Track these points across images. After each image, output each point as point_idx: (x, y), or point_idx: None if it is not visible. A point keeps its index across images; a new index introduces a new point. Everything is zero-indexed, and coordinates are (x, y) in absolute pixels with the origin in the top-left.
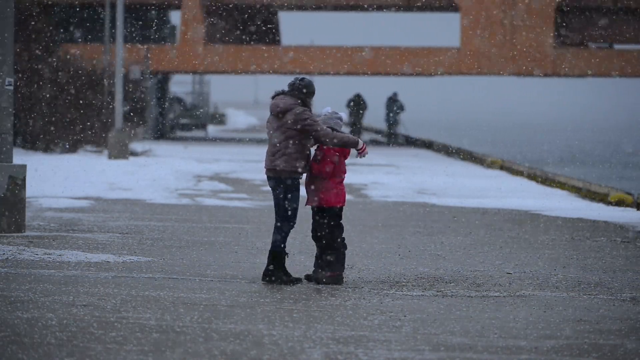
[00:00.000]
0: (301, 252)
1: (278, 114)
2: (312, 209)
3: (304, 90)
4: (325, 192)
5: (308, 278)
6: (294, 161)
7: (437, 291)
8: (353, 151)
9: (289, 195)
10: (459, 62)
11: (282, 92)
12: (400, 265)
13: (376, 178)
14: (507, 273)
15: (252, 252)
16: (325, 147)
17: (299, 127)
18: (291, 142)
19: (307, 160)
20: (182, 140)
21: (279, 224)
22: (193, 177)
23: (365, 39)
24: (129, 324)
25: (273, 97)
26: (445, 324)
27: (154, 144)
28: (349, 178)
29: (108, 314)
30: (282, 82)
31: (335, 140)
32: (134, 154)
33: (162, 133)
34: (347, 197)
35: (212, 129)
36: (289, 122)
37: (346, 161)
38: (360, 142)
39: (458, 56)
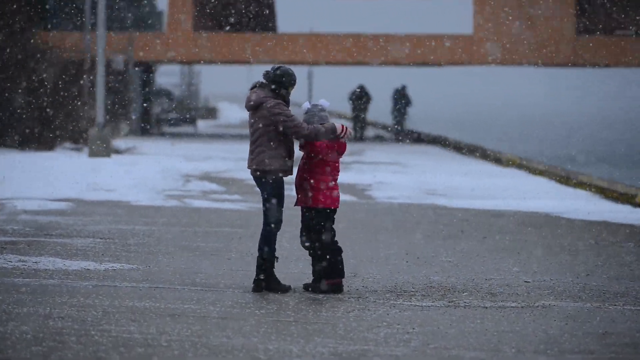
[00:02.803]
0: (299, 259)
1: (251, 108)
2: (302, 210)
3: (280, 81)
4: (316, 192)
5: (306, 287)
6: (271, 159)
7: (449, 301)
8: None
9: (269, 196)
10: (471, 50)
11: (259, 84)
12: (408, 273)
13: (381, 177)
14: (525, 281)
15: (246, 259)
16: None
17: (272, 122)
18: (266, 138)
19: (288, 157)
20: (169, 137)
21: (263, 227)
22: (181, 177)
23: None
24: (111, 337)
25: (250, 90)
26: (457, 338)
27: (139, 140)
28: (351, 177)
29: (88, 326)
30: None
31: (311, 135)
32: (117, 151)
33: (147, 129)
34: (350, 198)
35: (202, 124)
36: (262, 117)
37: (349, 159)
38: (338, 126)
39: (469, 44)
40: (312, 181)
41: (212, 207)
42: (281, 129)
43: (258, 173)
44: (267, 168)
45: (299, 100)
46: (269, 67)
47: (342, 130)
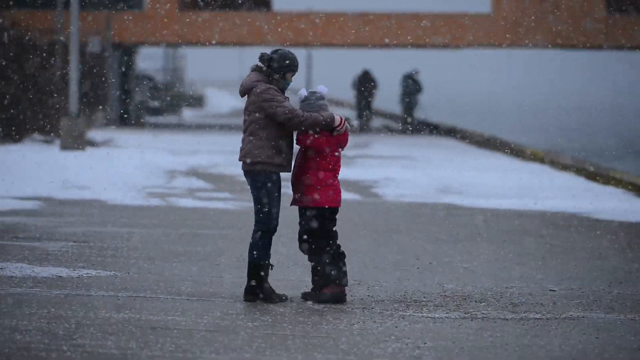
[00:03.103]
0: (297, 265)
1: (241, 94)
2: (299, 210)
3: (275, 65)
4: (315, 189)
5: (304, 297)
6: (261, 150)
7: (465, 312)
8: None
9: (260, 193)
10: (489, 31)
11: (254, 67)
12: (420, 280)
13: (389, 173)
14: (551, 290)
15: (238, 265)
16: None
17: (262, 109)
18: (257, 127)
19: (283, 150)
20: (151, 128)
21: (254, 229)
22: (165, 173)
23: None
24: (85, 353)
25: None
26: (474, 353)
27: (117, 131)
28: (355, 173)
29: (60, 341)
30: None
31: (307, 124)
32: (93, 144)
33: (127, 119)
34: (353, 196)
35: (188, 114)
36: (252, 103)
37: (352, 153)
38: (337, 118)
39: (488, 24)
40: (309, 177)
41: (199, 207)
42: (277, 118)
43: (246, 166)
44: (256, 160)
45: (295, 87)
46: (264, 50)
47: (341, 122)
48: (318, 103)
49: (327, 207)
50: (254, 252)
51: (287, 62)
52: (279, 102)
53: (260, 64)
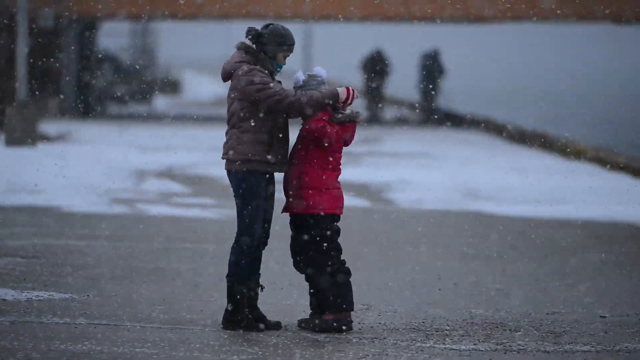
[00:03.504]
0: (293, 286)
1: (224, 79)
2: (292, 219)
3: (264, 43)
4: (314, 192)
5: (302, 324)
6: (245, 146)
7: (497, 343)
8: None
9: (244, 198)
10: (524, 3)
11: (238, 45)
12: (442, 304)
13: (405, 174)
14: (601, 317)
15: (221, 286)
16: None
17: (245, 95)
18: (242, 117)
19: (275, 145)
20: (116, 119)
21: (234, 241)
22: (133, 174)
23: None
24: None
25: None
26: None
27: (75, 123)
28: (363, 174)
29: None
30: None
31: (298, 103)
32: (45, 138)
33: (87, 108)
34: (362, 202)
35: (161, 102)
36: (234, 88)
37: (360, 149)
38: (342, 90)
39: None
40: (307, 178)
41: (174, 215)
42: (268, 103)
43: (229, 164)
44: (240, 157)
45: (289, 70)
46: (255, 24)
47: (348, 94)
48: (320, 89)
49: (327, 214)
50: (234, 270)
51: (280, 39)
52: (265, 84)
53: (246, 41)
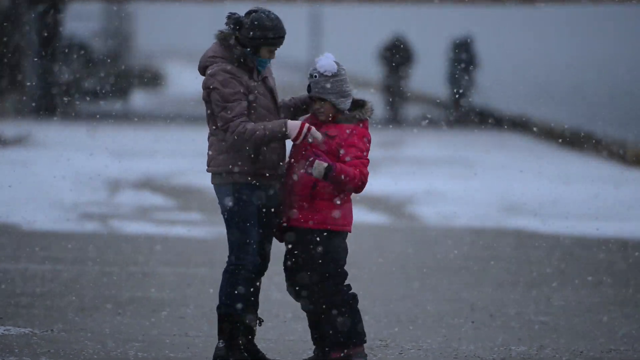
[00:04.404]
0: (297, 318)
1: (202, 74)
2: (288, 237)
3: (245, 33)
4: (327, 203)
5: None
6: (228, 156)
7: None
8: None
9: (230, 215)
10: None
11: (217, 35)
12: (476, 340)
13: (432, 184)
14: None
15: (210, 317)
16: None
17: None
18: (218, 124)
19: (263, 151)
20: (86, 119)
21: (226, 264)
22: (106, 184)
23: None
24: None
25: None
26: None
27: (37, 124)
28: (383, 184)
29: None
30: None
31: (241, 139)
32: (1, 141)
33: (50, 106)
34: (380, 218)
35: (139, 99)
36: (203, 89)
37: (378, 154)
38: (293, 128)
39: None
40: (323, 186)
41: (155, 234)
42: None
43: (211, 176)
44: (218, 169)
45: (299, 58)
46: (248, 5)
47: (300, 131)
48: (339, 85)
49: (341, 231)
50: (224, 299)
51: (262, 31)
52: (224, 99)
53: (225, 29)
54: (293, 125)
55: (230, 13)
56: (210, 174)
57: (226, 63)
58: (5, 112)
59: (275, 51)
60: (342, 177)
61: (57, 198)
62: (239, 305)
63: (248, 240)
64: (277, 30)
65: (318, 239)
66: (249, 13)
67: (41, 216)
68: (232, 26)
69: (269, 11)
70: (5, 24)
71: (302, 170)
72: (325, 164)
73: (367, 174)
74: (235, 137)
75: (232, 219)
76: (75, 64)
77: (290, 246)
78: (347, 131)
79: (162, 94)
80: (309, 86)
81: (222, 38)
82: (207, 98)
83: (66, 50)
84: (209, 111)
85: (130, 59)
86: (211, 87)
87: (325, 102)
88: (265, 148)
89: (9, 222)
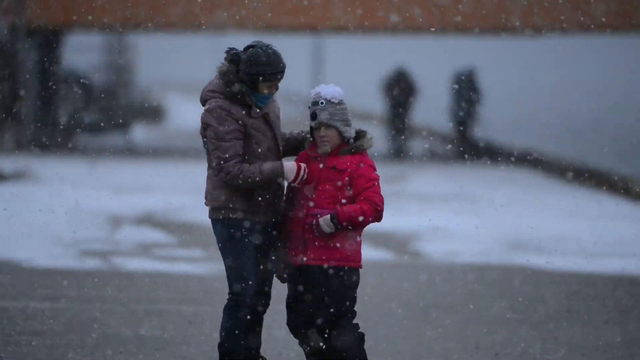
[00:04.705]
0: (299, 356)
1: (203, 105)
2: (294, 274)
3: (243, 69)
4: (347, 239)
5: None
6: (222, 191)
7: None
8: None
9: (226, 251)
10: (587, 7)
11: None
12: None
13: (436, 220)
14: None
15: (213, 355)
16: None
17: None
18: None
19: (256, 188)
20: (86, 153)
21: (227, 301)
22: (106, 220)
23: None
24: None
25: None
26: None
27: (36, 159)
28: (386, 220)
29: None
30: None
31: (236, 181)
32: (0, 176)
33: (49, 140)
34: (383, 254)
35: (140, 133)
36: (201, 125)
37: (382, 189)
38: (290, 170)
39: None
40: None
41: (156, 271)
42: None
43: (208, 211)
44: (213, 204)
45: (301, 91)
46: (251, 38)
47: (297, 174)
48: (339, 113)
49: (352, 267)
50: (224, 337)
51: (259, 68)
52: (219, 138)
53: (224, 63)
54: (289, 167)
55: (228, 48)
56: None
57: (224, 99)
58: (4, 147)
59: (277, 85)
60: (353, 215)
61: (57, 234)
62: (240, 344)
63: (245, 275)
64: (274, 66)
65: (336, 277)
66: (247, 48)
67: (41, 253)
68: (229, 62)
69: (268, 45)
70: (3, 56)
71: (314, 230)
72: (328, 217)
73: (382, 199)
74: (229, 179)
75: (228, 254)
76: (75, 97)
77: (302, 286)
78: (357, 163)
79: (163, 127)
80: (313, 113)
81: (221, 73)
82: (204, 133)
83: (66, 83)
84: (206, 146)
85: (131, 92)
86: (207, 123)
87: (332, 129)
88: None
89: (9, 259)
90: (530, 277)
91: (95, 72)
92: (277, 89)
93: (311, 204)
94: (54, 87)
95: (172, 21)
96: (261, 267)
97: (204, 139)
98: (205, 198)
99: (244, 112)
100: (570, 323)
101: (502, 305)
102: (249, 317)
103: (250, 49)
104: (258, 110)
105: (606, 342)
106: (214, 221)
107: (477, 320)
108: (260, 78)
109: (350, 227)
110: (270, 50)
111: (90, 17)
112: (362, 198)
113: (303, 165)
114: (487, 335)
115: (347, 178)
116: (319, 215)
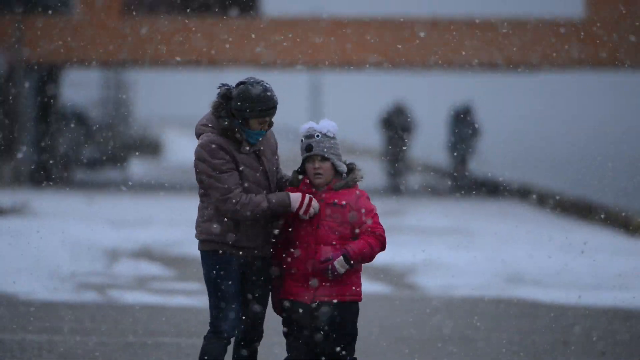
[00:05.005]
0: None
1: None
2: (296, 310)
3: (234, 105)
4: (358, 273)
5: None
6: (210, 225)
7: None
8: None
9: (209, 283)
10: (583, 44)
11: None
12: None
13: (433, 254)
14: None
15: None
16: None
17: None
18: (203, 191)
19: (243, 223)
20: (83, 188)
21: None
22: (103, 254)
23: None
24: None
25: None
26: None
27: (33, 193)
28: (383, 253)
29: None
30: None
31: (243, 211)
32: None
33: (47, 174)
34: (381, 288)
35: (137, 167)
36: (195, 159)
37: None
38: (295, 199)
39: (581, 33)
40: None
41: (153, 304)
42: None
43: (200, 245)
44: (200, 236)
45: (298, 125)
46: (249, 73)
47: (301, 204)
48: (333, 147)
49: (358, 301)
50: None
51: (249, 104)
52: (216, 170)
53: (217, 99)
54: (295, 197)
55: (221, 84)
56: None
57: (216, 133)
58: (1, 181)
59: (270, 121)
60: (363, 252)
61: (54, 268)
62: None
63: (226, 309)
64: (265, 102)
65: (348, 311)
66: (238, 84)
67: (38, 286)
68: (221, 97)
69: (260, 82)
70: (2, 91)
71: (327, 274)
72: (342, 259)
73: (383, 229)
74: (238, 208)
75: (210, 287)
76: (73, 132)
77: (310, 321)
78: (356, 193)
79: (160, 162)
80: (309, 146)
81: (213, 108)
82: (198, 167)
83: (63, 118)
84: (199, 177)
85: (128, 127)
86: (201, 158)
87: (327, 162)
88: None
89: (6, 292)
90: (526, 310)
91: (93, 108)
92: (270, 125)
93: (315, 239)
94: (52, 122)
95: (170, 57)
96: (250, 301)
97: (197, 172)
98: (198, 233)
99: (234, 147)
100: (566, 356)
101: (499, 338)
102: (222, 350)
103: (242, 85)
104: (248, 148)
105: None
106: (201, 252)
107: (474, 353)
108: (251, 114)
109: (361, 262)
110: (261, 87)
111: (88, 54)
112: (364, 231)
113: (307, 195)
114: None
115: (348, 213)
116: (331, 258)
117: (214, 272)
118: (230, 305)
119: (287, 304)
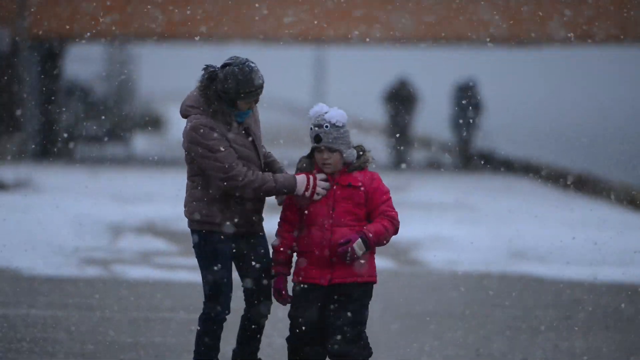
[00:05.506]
0: None
1: (184, 118)
2: (309, 293)
3: (220, 87)
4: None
5: None
6: (199, 205)
7: None
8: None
9: (200, 262)
10: (589, 18)
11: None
12: None
13: (437, 229)
14: None
15: None
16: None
17: (191, 153)
18: (193, 170)
19: (233, 204)
20: (87, 163)
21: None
22: (107, 229)
23: None
24: None
25: None
26: None
27: (37, 168)
28: None
29: None
30: (268, 59)
31: (251, 187)
32: (1, 186)
33: (50, 149)
34: (386, 264)
35: (141, 142)
36: (183, 139)
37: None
38: (301, 181)
39: (585, 10)
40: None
41: (157, 279)
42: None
43: (190, 224)
44: (189, 216)
45: (302, 102)
46: (251, 49)
47: (308, 184)
48: (341, 136)
49: (371, 281)
50: (195, 347)
51: (235, 86)
52: (213, 151)
53: (204, 80)
54: (300, 179)
55: (205, 65)
56: None
57: (205, 115)
58: (5, 156)
59: (257, 99)
60: (380, 235)
61: (58, 243)
62: (206, 355)
63: (218, 289)
64: (249, 84)
65: (364, 292)
66: (224, 66)
67: (42, 262)
68: (207, 79)
69: (245, 62)
70: (4, 66)
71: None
72: (360, 241)
73: (397, 213)
74: (245, 183)
75: (202, 266)
76: (76, 107)
77: (325, 303)
78: (369, 178)
79: (163, 137)
80: (317, 136)
81: (201, 90)
82: (187, 149)
83: (67, 93)
84: (189, 158)
85: (132, 102)
86: (195, 141)
87: (336, 153)
88: (233, 201)
89: (10, 268)
90: (530, 286)
91: (96, 83)
92: (257, 102)
93: (331, 221)
94: (55, 97)
95: (174, 32)
96: (248, 275)
97: (192, 155)
98: (186, 212)
99: (224, 128)
100: (570, 331)
101: (503, 313)
102: (217, 330)
103: (227, 67)
104: (237, 125)
105: (606, 350)
106: (191, 232)
107: (477, 328)
108: (239, 96)
109: (377, 244)
110: (247, 68)
111: (92, 28)
112: (378, 213)
113: (310, 175)
114: (487, 343)
115: (363, 194)
116: (350, 241)
117: (205, 250)
118: (222, 283)
119: (300, 287)
